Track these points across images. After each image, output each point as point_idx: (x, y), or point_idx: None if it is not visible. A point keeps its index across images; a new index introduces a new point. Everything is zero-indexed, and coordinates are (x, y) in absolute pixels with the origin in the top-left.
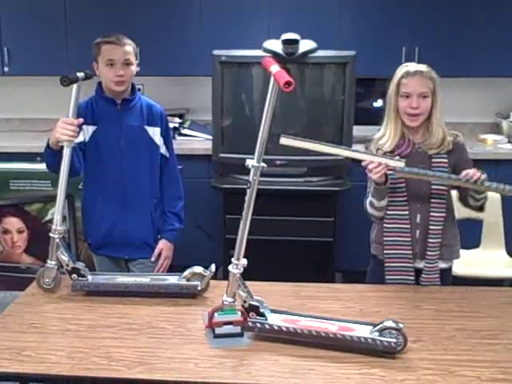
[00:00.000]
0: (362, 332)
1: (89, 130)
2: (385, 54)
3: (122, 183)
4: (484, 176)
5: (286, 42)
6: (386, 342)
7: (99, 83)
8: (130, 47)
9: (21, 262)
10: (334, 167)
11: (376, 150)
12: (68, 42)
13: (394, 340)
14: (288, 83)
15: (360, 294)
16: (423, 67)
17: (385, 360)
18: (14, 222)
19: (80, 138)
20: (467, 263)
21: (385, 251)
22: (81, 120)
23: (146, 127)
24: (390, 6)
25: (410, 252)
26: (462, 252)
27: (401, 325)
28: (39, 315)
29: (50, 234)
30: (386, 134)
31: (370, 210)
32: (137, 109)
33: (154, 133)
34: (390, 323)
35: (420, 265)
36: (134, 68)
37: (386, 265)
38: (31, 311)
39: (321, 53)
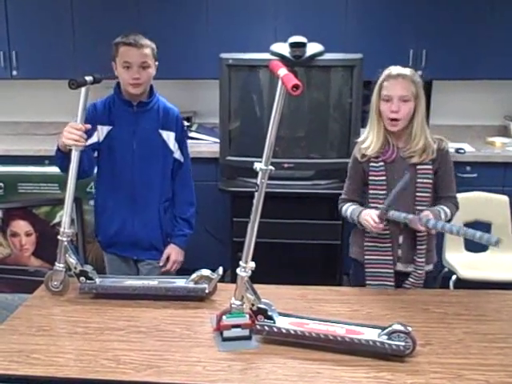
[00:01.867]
0: (370, 335)
1: (103, 130)
2: (392, 57)
3: (132, 185)
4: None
5: (293, 45)
6: (395, 346)
7: (118, 83)
8: (148, 49)
9: (29, 264)
10: (342, 170)
11: (361, 155)
12: (75, 46)
13: (403, 343)
14: (296, 86)
15: (367, 298)
16: (407, 71)
17: (393, 363)
18: (22, 225)
19: (93, 139)
20: (475, 267)
21: (365, 256)
22: (88, 126)
23: (161, 131)
24: (396, 9)
25: (390, 258)
26: (470, 255)
27: (409, 328)
28: (47, 318)
29: (59, 237)
30: (368, 138)
31: (348, 219)
32: (153, 112)
33: (169, 137)
34: (398, 326)
35: (403, 268)
36: (152, 71)
37: (367, 270)
38: (39, 314)
39: (328, 56)
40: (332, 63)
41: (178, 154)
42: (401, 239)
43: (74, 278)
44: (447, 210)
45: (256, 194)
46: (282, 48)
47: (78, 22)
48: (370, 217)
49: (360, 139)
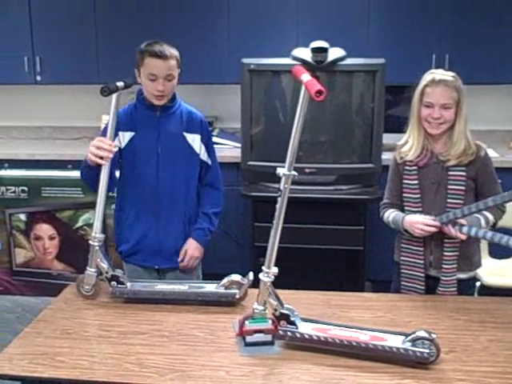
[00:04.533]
0: (394, 342)
1: (125, 136)
2: (414, 62)
3: (156, 190)
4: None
5: (316, 50)
6: (419, 353)
7: (140, 90)
8: (173, 61)
9: (52, 268)
10: (364, 175)
11: (400, 158)
12: (98, 52)
13: (427, 350)
14: (319, 92)
15: (390, 304)
16: (449, 76)
17: (417, 371)
18: (45, 229)
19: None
20: (499, 273)
21: (401, 258)
22: (115, 143)
23: (185, 134)
24: (419, 13)
25: (421, 261)
26: (495, 262)
27: (434, 335)
28: (71, 321)
29: (90, 242)
30: (408, 142)
31: (391, 225)
32: (176, 115)
33: (194, 140)
34: (422, 333)
35: (435, 274)
36: (176, 81)
37: (402, 271)
38: (64, 317)
39: (350, 61)
40: (354, 68)
41: (205, 157)
42: (433, 244)
43: (104, 281)
44: (489, 216)
45: (279, 199)
46: (304, 53)
47: (101, 27)
48: (420, 222)
49: (400, 143)
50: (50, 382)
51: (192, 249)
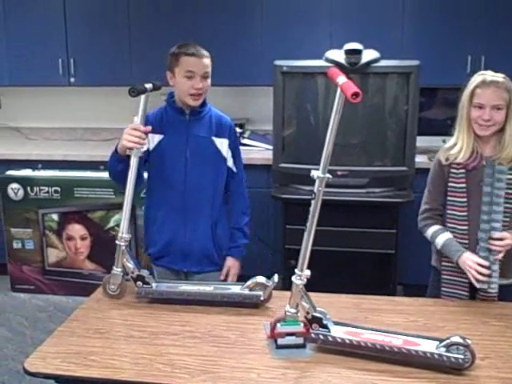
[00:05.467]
0: (428, 347)
1: (154, 138)
2: (449, 63)
3: (183, 194)
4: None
5: (349, 52)
6: (454, 358)
7: (170, 93)
8: (208, 60)
9: (83, 268)
10: (397, 178)
11: (445, 159)
12: (131, 54)
13: (462, 356)
14: (356, 94)
15: (423, 308)
16: (500, 77)
17: (451, 377)
18: (77, 229)
19: (143, 148)
20: None
21: (442, 263)
22: (149, 128)
23: (214, 138)
24: (454, 14)
25: None
26: None
27: (468, 341)
28: (104, 321)
29: (116, 242)
30: (457, 144)
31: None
32: (206, 120)
33: (222, 144)
34: (457, 339)
35: None
36: (210, 81)
37: (443, 277)
38: (96, 317)
39: (384, 62)
40: (388, 70)
41: (230, 163)
42: (479, 234)
43: (131, 281)
44: None
45: (312, 201)
46: (338, 55)
47: (134, 29)
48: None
49: (447, 145)
50: (83, 381)
51: (235, 268)
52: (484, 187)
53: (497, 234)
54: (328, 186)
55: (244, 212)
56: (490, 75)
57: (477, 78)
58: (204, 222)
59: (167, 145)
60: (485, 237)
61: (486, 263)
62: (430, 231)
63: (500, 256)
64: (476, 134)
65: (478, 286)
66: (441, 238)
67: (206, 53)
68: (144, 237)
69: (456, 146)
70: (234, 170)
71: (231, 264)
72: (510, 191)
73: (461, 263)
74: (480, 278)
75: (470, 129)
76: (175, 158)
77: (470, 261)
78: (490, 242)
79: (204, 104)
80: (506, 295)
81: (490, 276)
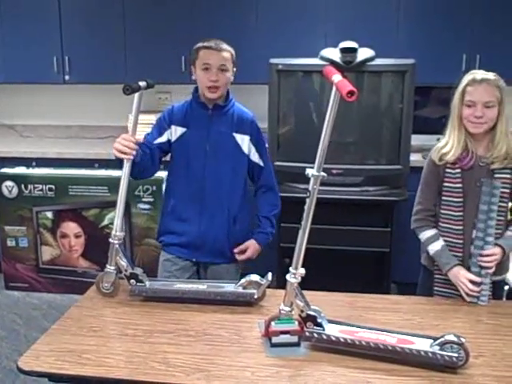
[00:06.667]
0: (422, 345)
1: (177, 130)
2: (444, 62)
3: (202, 187)
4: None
5: (344, 51)
6: (448, 357)
7: (195, 88)
8: (227, 54)
9: (77, 265)
10: (391, 177)
11: (439, 159)
12: (126, 52)
13: (456, 355)
14: (351, 93)
15: (417, 307)
16: (491, 75)
17: (445, 375)
18: (71, 227)
19: (163, 139)
20: None
21: (435, 263)
22: (139, 138)
23: (234, 134)
24: (449, 13)
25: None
26: None
27: (463, 339)
28: (98, 319)
29: (110, 240)
30: (449, 143)
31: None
32: (228, 115)
33: (243, 140)
34: (451, 337)
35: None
36: (230, 75)
37: (436, 276)
38: (90, 315)
39: (379, 61)
40: (383, 68)
41: (255, 158)
42: (472, 249)
43: (124, 280)
44: None
45: (307, 200)
46: (333, 53)
47: (130, 27)
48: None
49: (440, 144)
50: (77, 380)
51: (252, 250)
52: (481, 205)
53: (487, 252)
54: (323, 184)
55: (274, 204)
56: (480, 73)
57: (468, 77)
58: (221, 215)
59: (189, 138)
60: (477, 253)
61: (477, 279)
62: (424, 236)
63: (491, 271)
64: (469, 132)
65: (468, 299)
66: (434, 245)
67: (226, 47)
68: (159, 224)
69: (447, 145)
70: (262, 164)
71: (252, 246)
72: (502, 204)
73: (451, 276)
74: (471, 293)
75: (462, 127)
76: (195, 151)
77: (462, 277)
78: (480, 259)
79: (227, 99)
80: (497, 291)
81: (480, 291)
